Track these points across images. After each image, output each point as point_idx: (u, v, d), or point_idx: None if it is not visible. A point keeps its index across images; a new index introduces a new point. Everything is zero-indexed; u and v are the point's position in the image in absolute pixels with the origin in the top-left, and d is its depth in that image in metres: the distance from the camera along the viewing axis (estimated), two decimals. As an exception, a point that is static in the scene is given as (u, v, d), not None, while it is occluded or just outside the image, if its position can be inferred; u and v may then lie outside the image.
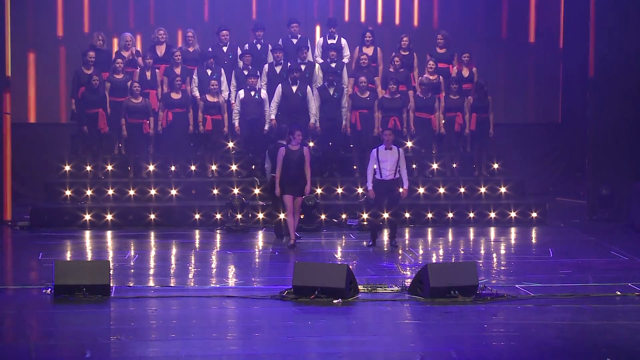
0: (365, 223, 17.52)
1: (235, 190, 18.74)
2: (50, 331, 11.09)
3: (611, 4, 19.22)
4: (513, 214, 18.75)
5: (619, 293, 12.81)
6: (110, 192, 18.70)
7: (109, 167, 19.14)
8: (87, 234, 17.46)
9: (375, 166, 15.99)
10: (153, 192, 18.78)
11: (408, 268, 14.53)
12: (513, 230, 18.34)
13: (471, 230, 18.28)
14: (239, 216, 18.04)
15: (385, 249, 16.11)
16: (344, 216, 18.44)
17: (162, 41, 19.77)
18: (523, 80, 22.30)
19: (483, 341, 10.73)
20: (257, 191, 18.79)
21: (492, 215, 18.73)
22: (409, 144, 19.18)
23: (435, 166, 19.37)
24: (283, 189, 16.14)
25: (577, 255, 15.73)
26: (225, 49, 19.81)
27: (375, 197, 16.09)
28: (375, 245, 16.17)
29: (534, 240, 17.60)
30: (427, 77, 19.36)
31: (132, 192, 18.75)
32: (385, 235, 16.45)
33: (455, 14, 21.91)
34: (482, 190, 19.14)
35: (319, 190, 18.73)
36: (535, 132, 22.23)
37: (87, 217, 18.03)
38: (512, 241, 17.67)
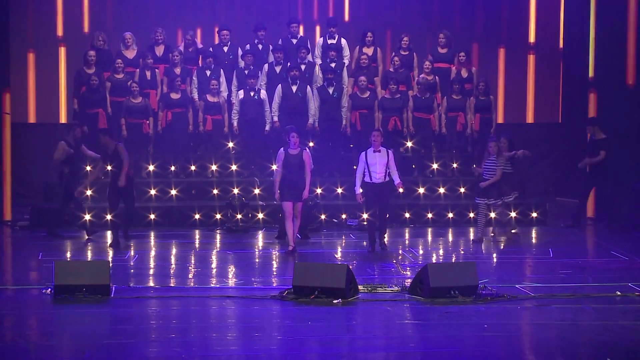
0: (365, 223, 17.50)
1: (235, 190, 18.73)
2: (50, 331, 11.08)
3: (610, 3, 19.25)
4: (513, 214, 18.73)
5: (619, 293, 12.81)
6: (110, 192, 18.68)
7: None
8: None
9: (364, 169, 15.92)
10: (153, 192, 18.77)
11: (408, 268, 14.52)
12: (513, 230, 18.31)
13: (471, 230, 18.26)
14: (239, 216, 18.04)
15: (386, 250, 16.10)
16: (344, 216, 18.44)
17: (159, 41, 19.77)
18: (523, 80, 22.28)
19: (483, 341, 10.72)
20: (257, 191, 18.79)
21: (492, 215, 18.69)
22: (409, 144, 19.18)
23: (435, 166, 19.36)
24: (282, 193, 15.91)
25: (577, 255, 15.72)
26: (225, 49, 19.81)
27: (366, 200, 16.01)
28: (374, 250, 16.05)
29: (534, 240, 17.58)
30: (424, 77, 19.36)
31: (132, 192, 18.74)
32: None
33: (455, 13, 21.91)
34: (482, 190, 19.11)
35: (319, 190, 18.72)
36: (535, 132, 22.22)
37: (87, 217, 18.01)
38: (512, 241, 17.64)
